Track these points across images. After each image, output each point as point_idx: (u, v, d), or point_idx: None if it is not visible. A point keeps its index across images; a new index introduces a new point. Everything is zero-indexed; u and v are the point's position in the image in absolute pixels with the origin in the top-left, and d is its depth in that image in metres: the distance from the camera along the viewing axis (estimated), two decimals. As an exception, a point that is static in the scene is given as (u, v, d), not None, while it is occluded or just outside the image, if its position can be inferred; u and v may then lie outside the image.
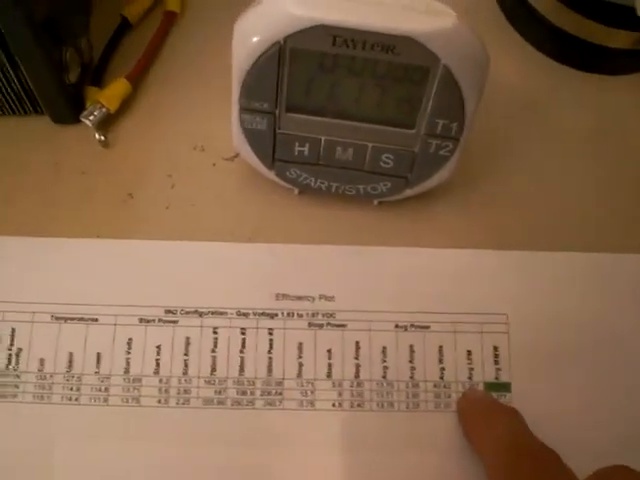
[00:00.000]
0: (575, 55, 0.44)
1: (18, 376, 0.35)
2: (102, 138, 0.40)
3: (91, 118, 0.39)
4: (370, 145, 0.35)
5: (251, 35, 0.32)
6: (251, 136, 0.35)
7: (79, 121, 0.40)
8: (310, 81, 0.33)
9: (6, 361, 0.35)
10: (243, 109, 0.34)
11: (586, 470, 0.29)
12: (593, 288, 0.38)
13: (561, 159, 0.42)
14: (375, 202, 0.39)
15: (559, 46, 0.44)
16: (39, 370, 0.35)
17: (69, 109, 0.39)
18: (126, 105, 0.41)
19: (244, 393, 0.35)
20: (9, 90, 0.38)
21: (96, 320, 0.36)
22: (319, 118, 0.35)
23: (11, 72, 0.37)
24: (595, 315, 0.37)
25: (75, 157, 0.40)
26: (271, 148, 0.36)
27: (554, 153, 0.42)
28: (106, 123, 0.41)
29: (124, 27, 0.42)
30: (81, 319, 0.36)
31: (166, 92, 0.42)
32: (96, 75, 0.41)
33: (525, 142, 0.42)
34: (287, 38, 0.31)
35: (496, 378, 0.36)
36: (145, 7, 0.43)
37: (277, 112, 0.34)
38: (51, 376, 0.35)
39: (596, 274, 0.38)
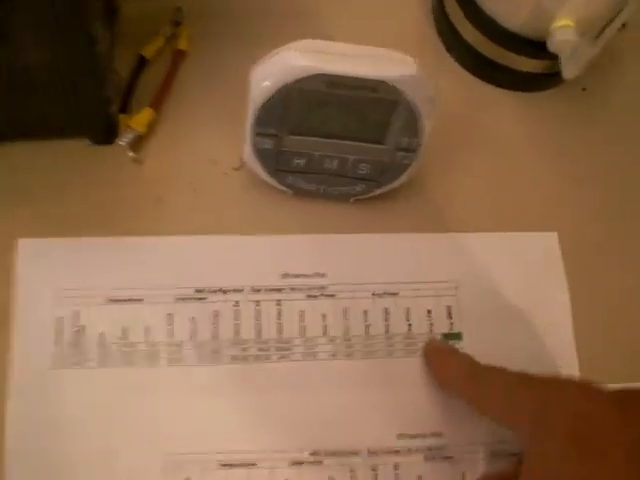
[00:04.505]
0: (500, 77, 0.54)
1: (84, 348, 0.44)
2: (134, 155, 0.48)
3: (125, 140, 0.47)
4: (351, 157, 0.45)
5: (265, 80, 0.41)
6: (260, 153, 0.45)
7: (113, 142, 0.48)
8: (308, 112, 0.42)
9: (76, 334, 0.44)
10: (256, 133, 0.43)
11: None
12: (517, 259, 0.49)
13: (495, 159, 0.52)
14: (351, 200, 0.49)
15: (487, 70, 0.54)
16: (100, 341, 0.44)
17: (109, 134, 0.47)
18: (151, 128, 0.49)
19: (261, 350, 0.45)
20: (71, 119, 0.46)
21: (141, 300, 0.45)
22: (314, 138, 0.44)
23: (76, 107, 0.44)
24: (517, 282, 0.48)
25: (112, 172, 0.48)
26: (275, 161, 0.45)
27: (490, 155, 0.52)
28: (136, 143, 0.48)
29: (142, 64, 0.50)
30: (130, 300, 0.45)
31: (182, 117, 0.50)
32: (123, 104, 0.49)
33: (466, 148, 0.52)
34: (292, 83, 0.40)
35: (450, 330, 0.47)
36: (159, 46, 0.51)
37: (281, 135, 0.43)
38: (110, 345, 0.44)
39: (518, 249, 0.49)
